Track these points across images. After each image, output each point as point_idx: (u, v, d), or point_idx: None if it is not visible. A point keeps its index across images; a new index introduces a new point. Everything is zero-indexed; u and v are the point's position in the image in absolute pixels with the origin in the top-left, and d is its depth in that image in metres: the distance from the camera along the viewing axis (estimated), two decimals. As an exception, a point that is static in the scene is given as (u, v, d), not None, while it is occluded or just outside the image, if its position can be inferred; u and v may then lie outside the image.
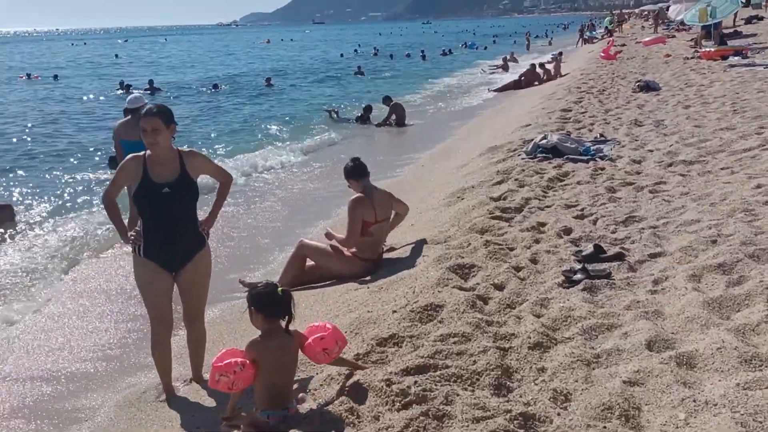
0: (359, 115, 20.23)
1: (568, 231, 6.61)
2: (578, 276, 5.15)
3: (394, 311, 5.10)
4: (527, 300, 5.00)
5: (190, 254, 4.80)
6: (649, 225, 6.46)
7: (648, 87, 16.99)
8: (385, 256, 7.19)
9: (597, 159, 9.83)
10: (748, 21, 43.79)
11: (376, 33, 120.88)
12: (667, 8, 53.38)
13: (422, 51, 51.30)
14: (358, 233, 6.75)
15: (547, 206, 7.62)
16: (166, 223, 4.66)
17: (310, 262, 7.14)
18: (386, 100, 19.96)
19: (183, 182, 4.66)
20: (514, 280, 5.37)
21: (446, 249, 6.44)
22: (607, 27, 54.56)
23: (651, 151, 10.13)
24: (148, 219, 4.69)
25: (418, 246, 7.05)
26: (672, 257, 5.50)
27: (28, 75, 41.82)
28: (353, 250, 6.89)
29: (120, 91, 30.01)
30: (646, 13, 79.42)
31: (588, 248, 5.70)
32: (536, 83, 26.15)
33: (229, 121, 21.46)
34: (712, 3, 27.56)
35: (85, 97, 29.77)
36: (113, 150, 9.88)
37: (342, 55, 54.71)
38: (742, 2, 36.72)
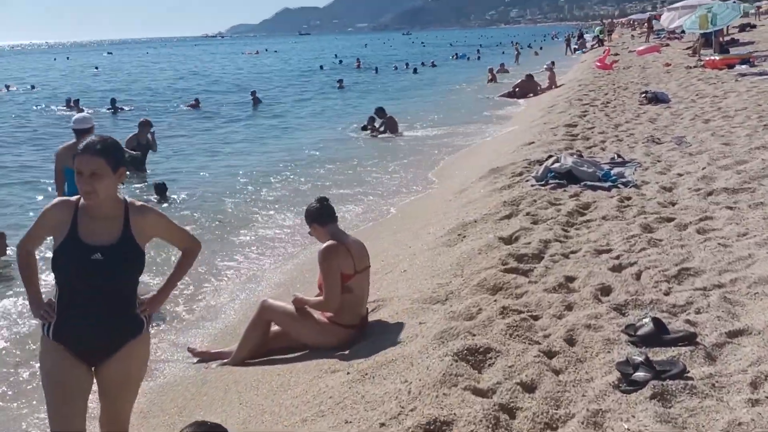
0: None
1: (606, 290, 5.12)
2: (641, 374, 3.65)
3: (382, 425, 3.61)
4: (572, 414, 3.49)
5: (119, 344, 3.42)
6: (713, 283, 4.98)
7: (656, 99, 15.63)
8: (372, 316, 5.71)
9: (620, 186, 8.37)
10: (742, 29, 42.93)
11: (362, 44, 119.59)
12: (657, 17, 52.46)
13: (407, 63, 49.71)
14: (338, 291, 5.25)
15: (573, 252, 6.13)
16: (89, 298, 3.32)
17: (276, 327, 5.63)
18: (380, 111, 18.64)
19: (124, 248, 3.36)
20: (549, 377, 3.85)
21: (450, 316, 4.94)
22: (597, 36, 53.55)
23: (681, 175, 8.68)
24: (65, 290, 3.35)
25: (414, 306, 5.56)
26: (762, 338, 4.01)
27: (7, 87, 40.01)
28: (329, 314, 5.39)
29: (63, 109, 27.09)
30: (633, 22, 78.63)
31: (644, 323, 4.20)
32: (531, 94, 24.80)
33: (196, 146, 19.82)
34: (713, 10, 26.33)
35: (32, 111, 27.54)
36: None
37: (322, 67, 53.09)
38: (743, 9, 35.65)
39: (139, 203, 3.56)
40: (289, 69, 55.80)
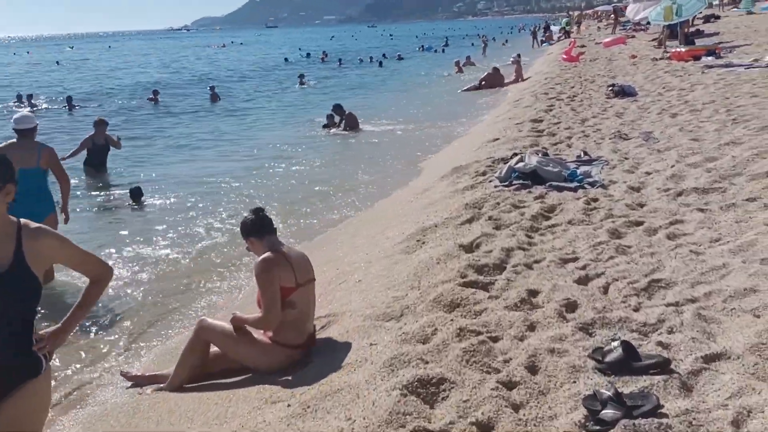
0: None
1: (572, 306, 4.71)
2: (610, 412, 3.24)
3: (321, 471, 3.17)
4: (534, 460, 3.07)
5: (11, 386, 2.97)
6: (686, 297, 4.59)
7: (623, 92, 15.35)
8: (321, 334, 5.26)
9: (586, 186, 8.00)
10: (707, 20, 43.12)
11: (328, 36, 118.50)
12: (623, 8, 52.48)
13: (371, 57, 49.12)
14: (278, 306, 4.78)
15: (536, 261, 5.72)
16: None
17: (215, 348, 5.16)
18: (338, 109, 18.08)
19: (14, 274, 2.91)
20: (508, 414, 3.42)
21: (402, 338, 4.49)
22: (564, 28, 53.46)
23: (649, 173, 8.34)
24: None
25: (366, 323, 5.11)
26: (742, 364, 3.63)
27: None
28: (270, 333, 4.93)
29: (13, 105, 25.80)
30: (599, 13, 78.90)
31: (613, 348, 3.79)
32: (498, 87, 24.46)
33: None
34: (678, 1, 26.21)
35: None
36: None
37: (287, 60, 52.19)
38: (707, 1, 35.76)
39: (35, 225, 3.08)
40: (255, 62, 54.83)
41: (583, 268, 5.41)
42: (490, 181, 8.73)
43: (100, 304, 6.59)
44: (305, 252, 7.39)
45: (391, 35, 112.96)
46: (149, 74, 44.63)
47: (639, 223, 6.45)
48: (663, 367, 3.65)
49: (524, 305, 4.79)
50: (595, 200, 7.45)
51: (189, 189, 11.93)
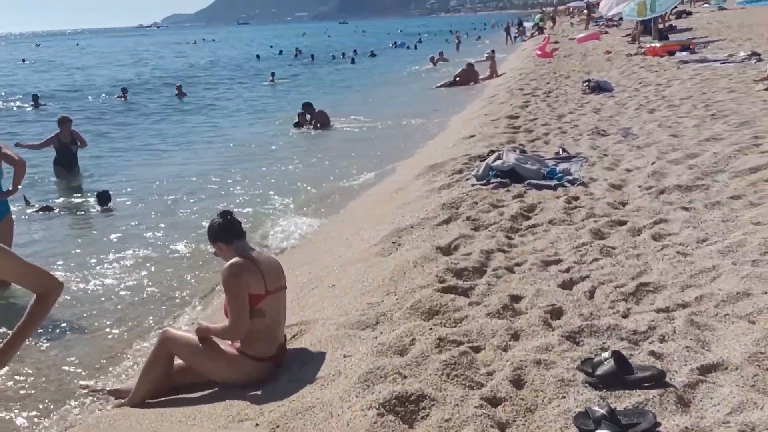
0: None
1: (557, 313, 4.46)
2: (605, 432, 2.99)
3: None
4: (524, 489, 2.81)
5: None
6: (676, 302, 4.37)
7: (599, 87, 15.23)
8: (293, 344, 4.97)
9: (566, 184, 7.78)
10: (679, 15, 43.40)
11: (300, 33, 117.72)
12: (596, 4, 52.64)
13: (343, 53, 48.81)
14: (245, 315, 4.47)
15: (518, 264, 5.47)
16: None
17: (180, 360, 4.84)
18: (308, 107, 17.68)
19: None
20: (494, 434, 3.16)
21: (378, 350, 4.21)
22: (537, 24, 53.53)
23: (629, 170, 8.15)
24: None
25: (339, 332, 4.82)
26: (741, 376, 3.40)
27: None
28: (237, 345, 4.63)
29: None
30: (571, 9, 79.18)
31: (603, 359, 3.55)
32: (473, 83, 24.26)
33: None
34: (651, -4, 26.23)
35: None
36: None
37: (259, 57, 51.56)
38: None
39: None
40: (226, 59, 54.13)
41: (567, 270, 5.17)
42: (467, 180, 8.48)
43: (59, 315, 6.22)
44: (277, 257, 7.09)
45: (364, 32, 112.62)
46: (118, 72, 43.73)
47: (622, 223, 6.24)
48: (658, 380, 3.41)
49: (507, 312, 4.53)
50: (576, 199, 7.23)
51: (158, 191, 11.49)
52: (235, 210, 9.36)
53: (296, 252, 7.91)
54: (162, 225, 9.38)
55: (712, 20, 36.91)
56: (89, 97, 28.38)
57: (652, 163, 8.16)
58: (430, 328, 4.35)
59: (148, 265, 7.76)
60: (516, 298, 4.76)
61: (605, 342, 3.92)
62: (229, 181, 11.83)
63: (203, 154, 15.09)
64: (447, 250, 6.11)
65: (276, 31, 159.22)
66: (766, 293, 4.22)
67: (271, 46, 66.91)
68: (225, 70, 41.84)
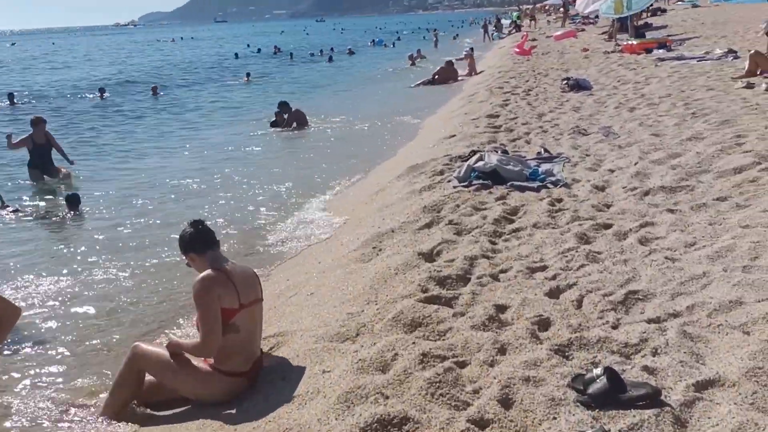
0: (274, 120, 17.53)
1: (545, 324, 4.29)
2: (600, 458, 2.82)
3: None
4: None
5: None
6: (667, 312, 4.21)
7: (579, 86, 15.13)
8: (269, 358, 4.76)
9: (549, 186, 7.63)
10: (653, 13, 43.65)
11: (278, 31, 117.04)
12: (572, 1, 52.80)
13: (321, 50, 48.64)
14: (218, 330, 4.25)
15: (503, 271, 5.30)
16: None
17: (151, 377, 4.62)
18: (284, 105, 17.39)
19: None
20: (483, 461, 2.98)
21: (359, 367, 4.01)
22: (514, 21, 53.61)
23: (612, 171, 8.02)
24: None
25: (318, 345, 4.63)
26: (739, 393, 3.25)
27: None
28: (211, 360, 4.41)
29: None
30: (548, 7, 79.43)
31: (595, 376, 3.38)
32: (451, 81, 24.12)
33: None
34: (628, -6, 26.26)
35: None
36: None
37: (237, 55, 51.09)
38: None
39: None
40: (203, 57, 53.49)
41: (554, 278, 5.01)
42: (449, 181, 8.31)
43: (24, 332, 5.94)
44: (255, 265, 6.87)
45: (342, 29, 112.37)
46: (95, 71, 42.99)
47: (608, 226, 6.09)
48: (653, 398, 3.25)
49: (492, 323, 4.36)
50: (560, 201, 7.08)
51: (131, 194, 11.17)
52: (211, 213, 9.27)
53: (274, 257, 7.68)
54: (134, 230, 9.06)
55: (687, 17, 37.16)
56: (66, 97, 27.81)
57: (635, 164, 8.04)
58: (413, 342, 4.17)
59: (120, 274, 7.44)
60: (502, 308, 4.59)
61: (596, 356, 3.76)
62: (203, 186, 11.44)
63: (179, 156, 14.69)
64: (429, 256, 5.94)
65: (254, 29, 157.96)
66: (759, 302, 4.09)
67: (248, 45, 66.09)
68: (201, 69, 41.28)
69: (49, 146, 12.29)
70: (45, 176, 12.17)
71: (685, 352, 3.67)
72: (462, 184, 7.94)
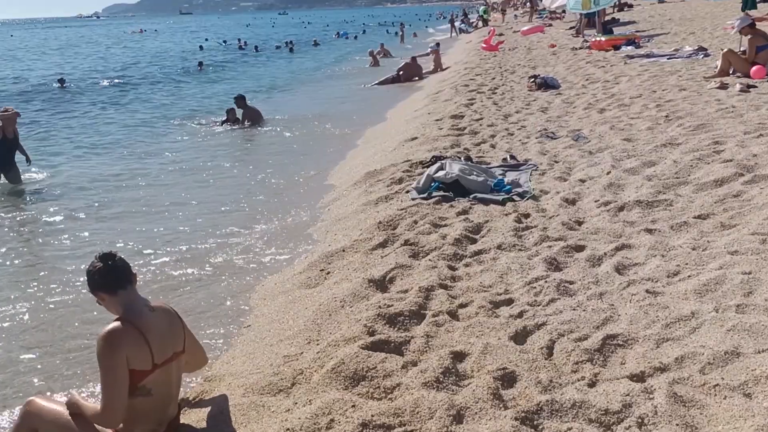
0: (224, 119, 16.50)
1: (510, 379, 3.63)
2: None
3: None
4: None
5: None
6: (652, 365, 3.58)
7: (546, 84, 14.56)
8: (189, 415, 4.06)
9: (515, 198, 7.00)
10: (620, 8, 43.44)
11: (245, 23, 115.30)
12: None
13: (286, 42, 48.07)
14: (121, 398, 3.49)
15: (462, 305, 4.64)
16: None
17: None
18: (239, 100, 16.42)
19: None
20: None
21: (288, 436, 3.33)
22: (482, 16, 53.08)
23: (583, 181, 7.41)
24: None
25: (246, 398, 3.94)
26: (747, 486, 2.62)
27: None
28: (119, 427, 3.67)
29: None
30: (515, 2, 79.18)
31: (570, 462, 2.73)
32: (416, 78, 23.43)
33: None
34: (596, -11, 25.83)
35: None
36: None
37: (201, 47, 49.87)
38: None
39: None
40: (166, 50, 52.05)
41: (520, 315, 4.36)
42: (407, 192, 7.64)
43: None
44: (197, 283, 6.12)
45: (309, 22, 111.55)
46: (52, 65, 41.40)
47: (579, 248, 5.47)
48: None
49: (448, 377, 3.69)
50: (527, 216, 6.44)
51: (76, 196, 10.24)
52: (142, 234, 8.18)
53: (212, 279, 6.88)
54: (44, 259, 7.76)
55: (654, 13, 36.92)
56: (20, 92, 26.41)
57: (608, 173, 7.44)
58: (353, 405, 3.48)
59: (21, 307, 6.50)
60: (460, 356, 3.92)
61: (570, 427, 3.11)
62: (144, 192, 10.55)
63: (119, 159, 13.35)
64: (381, 284, 5.26)
65: (220, 21, 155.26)
66: (759, 353, 3.48)
67: (206, 39, 64.08)
68: (164, 62, 39.91)
69: (16, 144, 11.13)
70: (7, 175, 11.09)
71: (677, 424, 3.04)
72: (421, 196, 7.27)
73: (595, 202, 6.61)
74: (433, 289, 4.88)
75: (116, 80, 28.74)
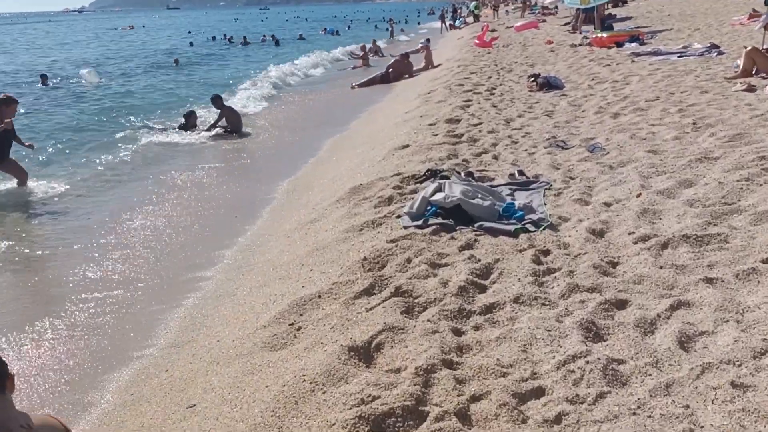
0: (182, 123, 14.93)
1: None
2: None
3: None
4: None
5: None
6: None
7: (549, 84, 13.35)
8: None
9: (529, 227, 5.75)
10: (615, 4, 42.34)
11: (233, 19, 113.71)
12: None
13: (272, 35, 47.39)
14: None
15: (474, 398, 3.38)
16: None
17: None
18: (216, 100, 14.95)
19: None
20: None
21: None
22: (472, 12, 51.77)
23: (608, 204, 6.17)
24: None
25: None
26: None
27: None
28: None
29: None
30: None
31: None
32: (407, 76, 22.15)
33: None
34: (595, -17, 24.63)
35: None
36: None
37: (192, 44, 48.40)
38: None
39: None
40: (154, 48, 50.27)
41: (558, 421, 3.11)
42: (398, 217, 6.37)
43: None
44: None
45: (297, 17, 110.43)
46: (36, 62, 39.66)
47: (621, 304, 4.23)
48: None
49: None
50: (546, 253, 5.20)
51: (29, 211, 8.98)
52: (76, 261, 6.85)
53: (154, 329, 5.63)
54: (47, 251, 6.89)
55: (651, 9, 35.83)
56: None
57: (638, 195, 6.22)
58: None
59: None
60: (477, 496, 2.68)
61: None
62: (82, 212, 9.31)
63: (70, 175, 11.65)
64: (366, 354, 4.02)
65: (208, 16, 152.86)
66: None
67: (189, 32, 62.68)
68: (151, 59, 38.24)
69: (13, 135, 10.06)
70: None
71: None
72: (415, 223, 6.00)
73: (630, 234, 5.37)
74: (434, 369, 3.63)
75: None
